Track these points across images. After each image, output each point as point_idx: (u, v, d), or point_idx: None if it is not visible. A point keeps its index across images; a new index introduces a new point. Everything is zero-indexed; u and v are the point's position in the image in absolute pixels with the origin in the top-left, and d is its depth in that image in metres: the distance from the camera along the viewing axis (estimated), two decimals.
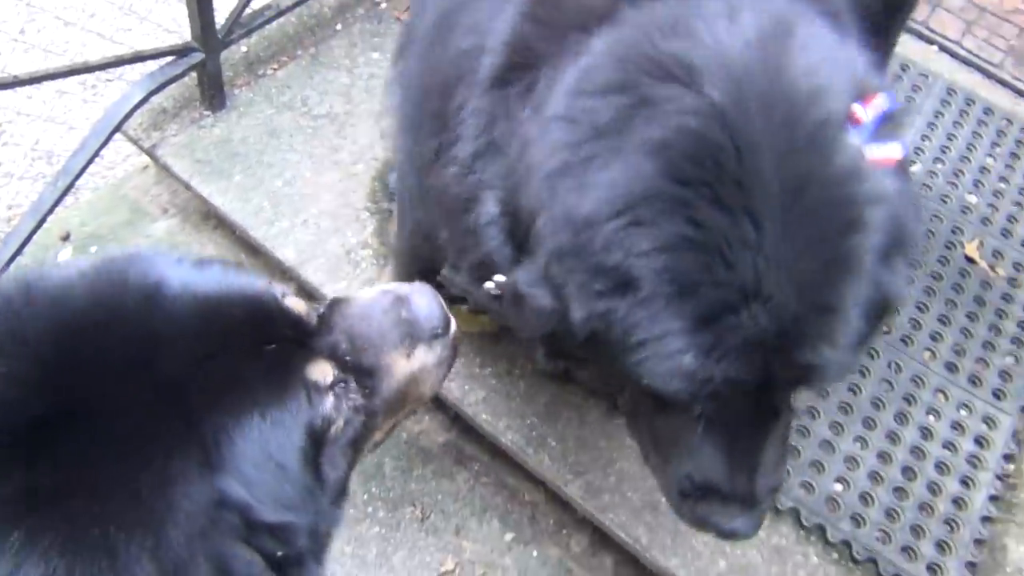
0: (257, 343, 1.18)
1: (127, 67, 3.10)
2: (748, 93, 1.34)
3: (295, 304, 1.28)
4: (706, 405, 1.44)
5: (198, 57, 2.91)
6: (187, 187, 2.94)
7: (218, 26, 2.93)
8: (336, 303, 1.36)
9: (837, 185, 1.34)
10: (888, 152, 1.40)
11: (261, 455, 1.12)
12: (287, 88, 3.16)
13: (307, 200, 2.89)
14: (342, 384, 1.26)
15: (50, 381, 1.04)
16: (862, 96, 1.41)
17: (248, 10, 3.06)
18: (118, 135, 2.88)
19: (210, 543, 1.06)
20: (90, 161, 2.79)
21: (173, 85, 2.96)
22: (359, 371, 1.30)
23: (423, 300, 1.40)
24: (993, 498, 2.61)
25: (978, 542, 2.52)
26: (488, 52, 1.72)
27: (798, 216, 1.31)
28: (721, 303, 1.31)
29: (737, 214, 1.30)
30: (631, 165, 1.34)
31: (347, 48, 3.32)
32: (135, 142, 2.98)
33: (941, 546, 2.50)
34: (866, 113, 1.40)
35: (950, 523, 2.55)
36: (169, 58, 2.91)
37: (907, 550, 2.48)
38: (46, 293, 1.11)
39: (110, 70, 3.07)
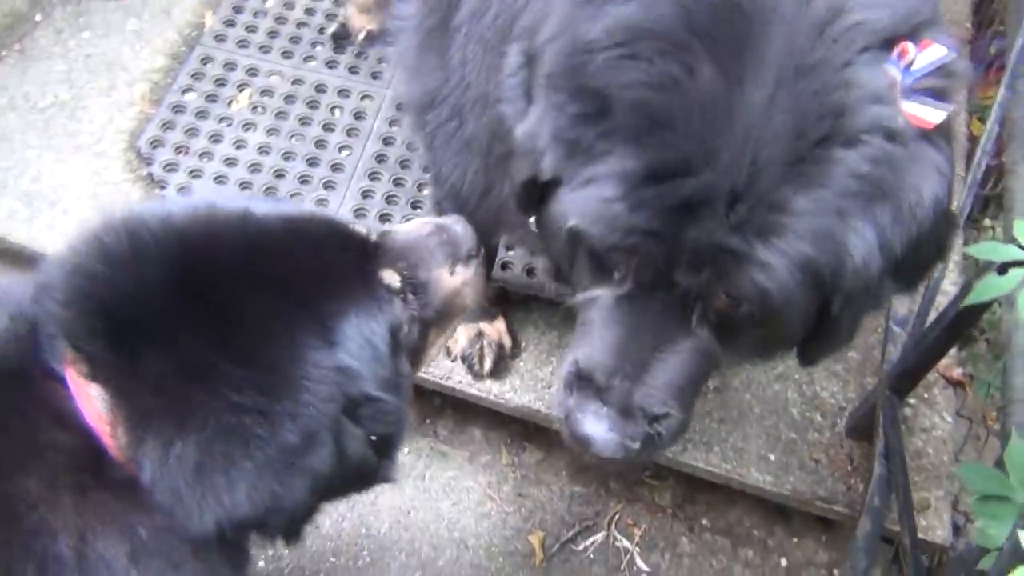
0: (339, 252, 1.34)
1: None
2: None
3: (360, 228, 1.44)
4: (618, 262, 1.38)
5: None
6: None
7: None
8: (384, 234, 1.51)
9: (845, 89, 1.20)
10: (927, 113, 1.23)
11: (362, 337, 1.28)
12: (3, 89, 2.98)
13: (61, 190, 2.75)
14: (402, 295, 1.42)
15: (178, 277, 1.19)
16: (917, 37, 1.24)
17: None
18: None
19: (332, 413, 1.21)
20: None
21: None
22: (414, 285, 1.47)
23: (459, 226, 1.61)
24: None
25: None
26: None
27: (786, 101, 1.20)
28: (678, 161, 1.22)
29: (731, 78, 1.21)
30: (650, 1, 1.26)
31: (54, 36, 3.15)
32: None
33: None
34: (917, 56, 1.23)
35: None
36: None
37: None
38: (162, 212, 1.26)
39: None
